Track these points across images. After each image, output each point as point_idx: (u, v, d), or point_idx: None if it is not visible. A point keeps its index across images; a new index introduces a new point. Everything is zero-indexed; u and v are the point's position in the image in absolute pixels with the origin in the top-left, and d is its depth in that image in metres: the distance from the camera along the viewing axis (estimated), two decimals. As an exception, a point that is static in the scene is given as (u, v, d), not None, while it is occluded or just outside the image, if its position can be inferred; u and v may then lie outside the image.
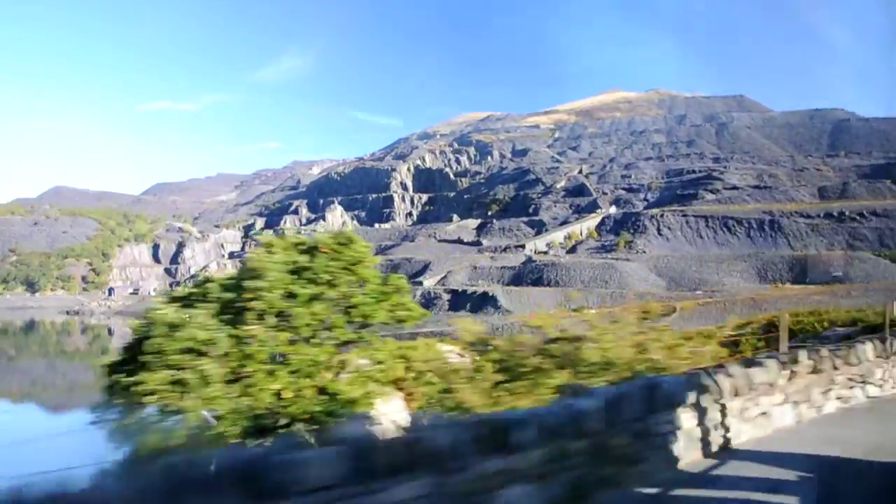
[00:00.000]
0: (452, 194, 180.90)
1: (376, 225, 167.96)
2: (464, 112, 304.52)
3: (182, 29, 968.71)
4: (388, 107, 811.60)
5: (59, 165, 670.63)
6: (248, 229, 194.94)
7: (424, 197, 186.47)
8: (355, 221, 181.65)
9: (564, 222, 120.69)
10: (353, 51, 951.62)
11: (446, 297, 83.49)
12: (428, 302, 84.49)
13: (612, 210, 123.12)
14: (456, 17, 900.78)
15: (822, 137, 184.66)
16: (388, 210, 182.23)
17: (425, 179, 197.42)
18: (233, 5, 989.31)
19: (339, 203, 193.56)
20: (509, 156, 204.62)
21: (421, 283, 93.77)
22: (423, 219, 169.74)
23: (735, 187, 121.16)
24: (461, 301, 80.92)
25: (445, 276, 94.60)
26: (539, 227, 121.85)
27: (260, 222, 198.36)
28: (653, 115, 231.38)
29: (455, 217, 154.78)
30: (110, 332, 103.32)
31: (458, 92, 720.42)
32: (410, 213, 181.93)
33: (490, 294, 78.81)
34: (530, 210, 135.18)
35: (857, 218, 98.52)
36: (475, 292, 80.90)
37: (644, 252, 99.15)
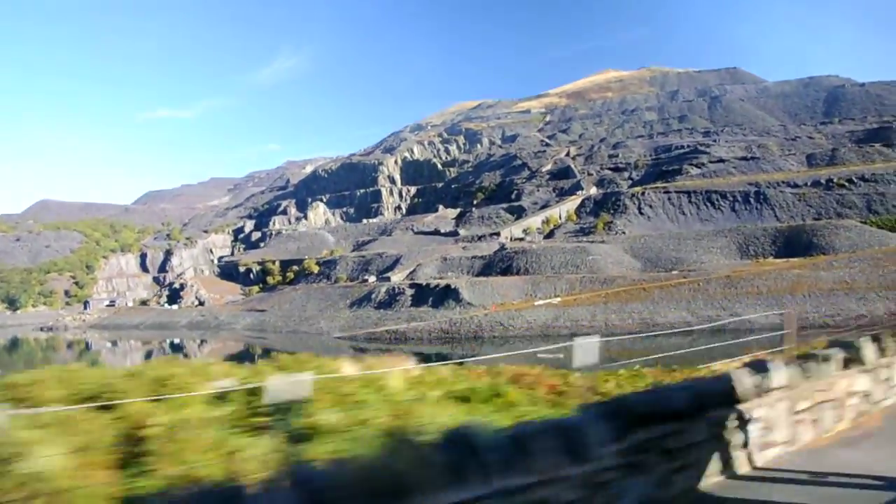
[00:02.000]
0: (440, 185, 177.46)
1: (364, 220, 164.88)
2: (457, 101, 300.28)
3: (176, 37, 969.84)
4: (384, 101, 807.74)
5: (46, 179, 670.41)
6: (237, 233, 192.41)
7: (413, 189, 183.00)
8: (339, 218, 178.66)
9: (544, 206, 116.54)
10: (347, 46, 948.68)
11: (410, 291, 79.84)
12: (392, 298, 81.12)
13: (593, 191, 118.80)
14: (449, 7, 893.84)
15: (816, 105, 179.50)
16: (376, 205, 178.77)
17: (414, 172, 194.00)
18: (225, 9, 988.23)
19: (328, 200, 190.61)
20: (499, 142, 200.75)
21: (388, 279, 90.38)
22: (412, 211, 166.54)
23: (721, 160, 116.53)
24: (424, 295, 77.33)
25: (414, 270, 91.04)
26: (519, 213, 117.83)
27: (249, 224, 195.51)
28: (645, 92, 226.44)
29: (440, 208, 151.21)
30: (88, 346, 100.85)
31: (451, 82, 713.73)
32: (399, 207, 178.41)
33: (453, 287, 75.09)
34: (513, 196, 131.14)
35: (846, 184, 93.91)
36: (438, 286, 77.19)
37: (623, 233, 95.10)
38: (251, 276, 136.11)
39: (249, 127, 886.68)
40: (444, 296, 74.89)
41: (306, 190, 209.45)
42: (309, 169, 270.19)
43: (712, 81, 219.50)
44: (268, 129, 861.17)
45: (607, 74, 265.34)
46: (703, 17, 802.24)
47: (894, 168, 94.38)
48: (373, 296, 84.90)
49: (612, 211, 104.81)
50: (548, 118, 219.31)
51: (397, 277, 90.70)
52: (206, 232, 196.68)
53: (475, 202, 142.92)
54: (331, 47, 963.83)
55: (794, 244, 78.03)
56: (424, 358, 60.96)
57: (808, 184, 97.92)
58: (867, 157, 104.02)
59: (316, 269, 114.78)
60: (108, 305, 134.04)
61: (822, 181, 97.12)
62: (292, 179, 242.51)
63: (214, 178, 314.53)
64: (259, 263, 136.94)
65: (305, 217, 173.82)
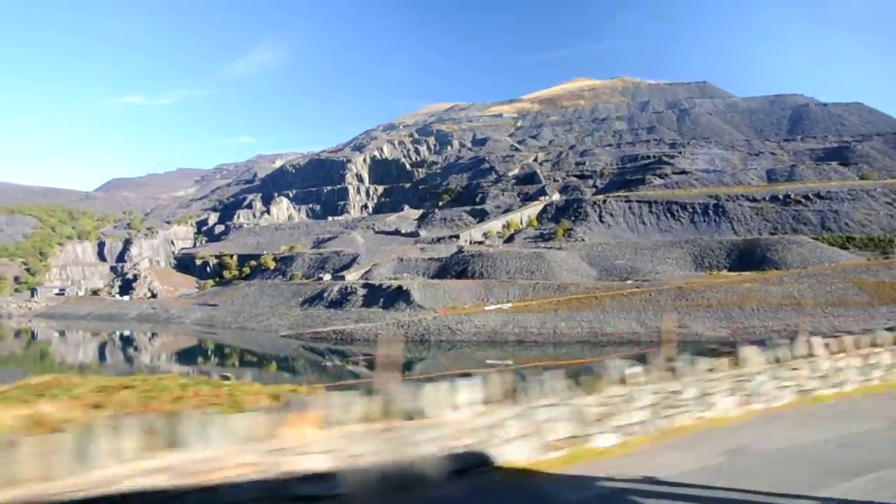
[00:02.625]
0: (408, 185, 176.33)
1: (329, 218, 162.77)
2: (431, 103, 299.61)
3: (155, 23, 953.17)
4: (360, 100, 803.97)
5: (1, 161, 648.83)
6: (200, 225, 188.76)
7: (380, 189, 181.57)
8: (305, 214, 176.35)
9: (507, 210, 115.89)
10: (327, 43, 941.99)
11: (362, 291, 78.31)
12: (343, 297, 79.54)
13: (556, 197, 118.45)
14: (429, 10, 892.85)
15: (781, 122, 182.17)
16: (342, 202, 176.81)
17: (382, 171, 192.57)
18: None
19: (294, 196, 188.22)
20: (469, 145, 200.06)
21: (343, 278, 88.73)
22: (379, 210, 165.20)
23: (684, 172, 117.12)
24: (376, 296, 75.90)
25: (370, 270, 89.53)
26: (482, 216, 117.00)
27: (213, 217, 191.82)
28: (616, 102, 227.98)
29: (406, 208, 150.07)
30: (34, 336, 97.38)
31: (427, 84, 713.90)
32: (366, 206, 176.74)
33: (404, 289, 73.77)
34: (477, 199, 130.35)
35: (802, 201, 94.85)
36: (390, 287, 75.81)
37: (583, 240, 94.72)
38: (208, 269, 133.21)
39: (223, 118, 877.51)
40: (396, 297, 73.55)
41: (273, 185, 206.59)
42: (279, 163, 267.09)
43: (682, 94, 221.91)
44: (242, 122, 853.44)
45: (580, 82, 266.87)
46: (677, 32, 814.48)
47: (849, 186, 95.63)
48: (325, 294, 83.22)
49: (573, 218, 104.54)
50: (519, 123, 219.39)
51: (352, 277, 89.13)
52: (168, 223, 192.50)
53: (440, 203, 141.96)
54: (311, 42, 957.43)
55: (748, 258, 78.29)
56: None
57: (767, 198, 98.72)
58: (824, 174, 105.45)
59: (272, 265, 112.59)
60: (56, 294, 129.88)
61: (780, 196, 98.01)
62: (261, 173, 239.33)
63: (182, 168, 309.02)
64: (216, 257, 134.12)
65: (269, 212, 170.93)
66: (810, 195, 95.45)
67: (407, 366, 54.79)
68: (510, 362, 57.56)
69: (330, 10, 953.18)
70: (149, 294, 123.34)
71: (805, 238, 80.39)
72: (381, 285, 77.86)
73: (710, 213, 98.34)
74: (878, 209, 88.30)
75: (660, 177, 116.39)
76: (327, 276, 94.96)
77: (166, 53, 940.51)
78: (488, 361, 57.31)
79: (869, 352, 11.75)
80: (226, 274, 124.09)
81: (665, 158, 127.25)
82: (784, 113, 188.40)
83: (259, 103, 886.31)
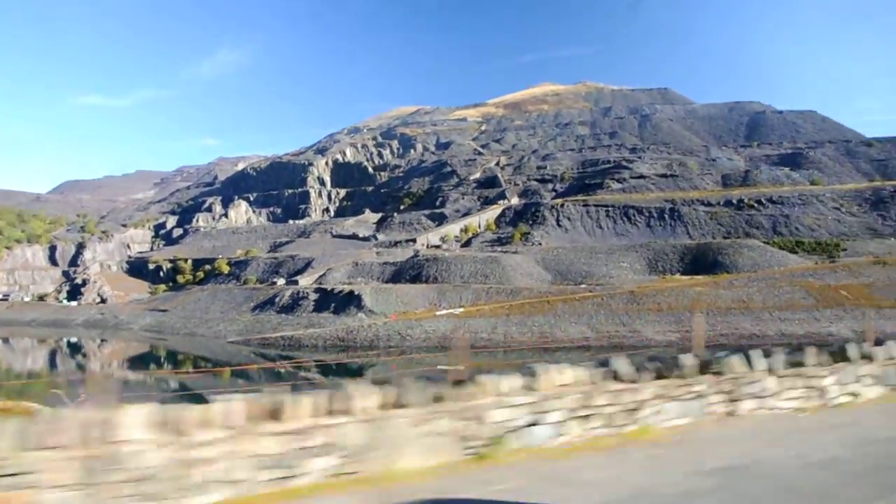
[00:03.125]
0: (370, 189, 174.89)
1: (290, 221, 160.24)
2: (397, 106, 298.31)
3: (116, 21, 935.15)
4: (325, 102, 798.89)
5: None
6: (158, 228, 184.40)
7: (342, 192, 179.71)
8: (265, 218, 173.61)
9: (466, 214, 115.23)
10: (291, 45, 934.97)
11: (314, 296, 76.75)
12: (295, 302, 77.87)
13: (515, 201, 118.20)
14: (395, 13, 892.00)
15: (739, 129, 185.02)
16: (304, 206, 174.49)
17: (344, 174, 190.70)
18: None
19: (255, 199, 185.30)
20: (432, 149, 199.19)
21: (297, 283, 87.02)
22: (340, 213, 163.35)
23: (642, 176, 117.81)
24: (328, 301, 74.43)
25: (324, 275, 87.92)
26: (440, 220, 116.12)
27: (172, 220, 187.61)
28: (579, 107, 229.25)
29: (367, 211, 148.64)
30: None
31: (393, 87, 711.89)
32: (327, 209, 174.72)
33: (356, 293, 72.43)
34: (437, 203, 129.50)
35: (755, 205, 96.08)
36: (342, 292, 74.41)
37: (539, 244, 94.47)
38: (161, 273, 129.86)
39: (185, 120, 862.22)
40: (347, 302, 72.18)
41: (234, 188, 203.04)
42: (241, 166, 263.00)
43: (644, 100, 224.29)
44: (204, 124, 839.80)
45: (545, 88, 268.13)
46: (640, 39, 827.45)
47: (800, 192, 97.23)
48: (277, 299, 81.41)
49: (531, 222, 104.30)
50: (483, 127, 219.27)
51: (305, 281, 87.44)
52: (124, 226, 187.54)
53: (402, 207, 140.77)
54: (275, 44, 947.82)
55: (701, 261, 78.76)
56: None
57: (721, 203, 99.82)
58: (777, 180, 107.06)
59: (227, 270, 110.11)
60: (0, 300, 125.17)
61: (734, 201, 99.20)
62: (222, 176, 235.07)
63: (141, 170, 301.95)
64: (171, 261, 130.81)
65: (226, 215, 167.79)
66: (763, 200, 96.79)
67: (358, 372, 53.75)
68: (462, 368, 56.81)
69: (295, 12, 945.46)
70: (98, 299, 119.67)
71: (756, 242, 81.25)
72: (333, 290, 76.41)
73: (666, 217, 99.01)
74: (826, 214, 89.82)
75: (618, 181, 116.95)
76: (281, 281, 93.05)
77: (128, 53, 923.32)
78: (439, 367, 56.43)
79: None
80: (179, 278, 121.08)
81: (624, 163, 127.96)
82: (742, 119, 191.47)
83: (222, 105, 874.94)
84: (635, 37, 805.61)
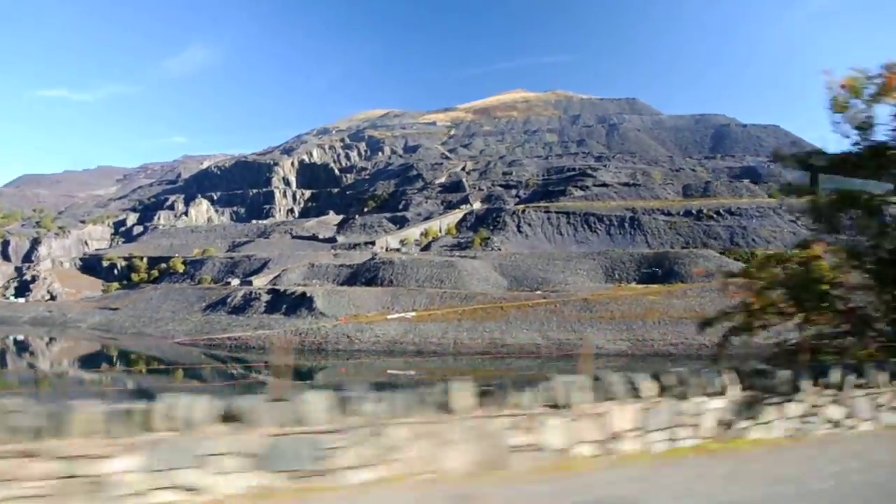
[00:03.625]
0: (336, 190, 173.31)
1: (254, 221, 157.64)
2: (367, 109, 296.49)
3: (85, 14, 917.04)
4: (295, 103, 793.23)
5: None
6: (118, 225, 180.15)
7: (307, 193, 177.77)
8: (229, 217, 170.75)
9: (428, 218, 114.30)
10: (262, 44, 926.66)
11: (266, 297, 75.08)
12: (246, 303, 76.11)
13: (477, 206, 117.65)
14: (369, 16, 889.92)
15: (704, 141, 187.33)
16: (268, 206, 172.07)
17: (310, 175, 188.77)
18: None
19: (219, 198, 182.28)
20: (400, 152, 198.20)
21: (251, 283, 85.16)
22: (305, 214, 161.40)
23: (605, 184, 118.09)
24: (280, 302, 72.84)
25: (279, 276, 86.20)
26: (402, 223, 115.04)
27: (133, 217, 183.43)
28: (549, 114, 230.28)
29: (331, 213, 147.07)
30: None
31: (365, 89, 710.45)
32: (292, 210, 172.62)
33: (308, 295, 70.97)
34: (400, 206, 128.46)
35: (714, 216, 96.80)
36: (294, 293, 72.89)
37: (499, 249, 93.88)
38: (116, 271, 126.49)
39: (152, 117, 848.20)
40: (299, 304, 70.67)
41: (197, 186, 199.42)
42: (207, 164, 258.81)
43: (612, 110, 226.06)
44: (171, 121, 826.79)
45: (515, 94, 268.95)
46: (612, 49, 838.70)
47: (757, 203, 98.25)
48: (228, 300, 79.48)
49: (491, 227, 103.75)
50: (452, 132, 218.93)
51: (260, 282, 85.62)
52: (83, 222, 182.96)
53: (365, 209, 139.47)
54: (247, 43, 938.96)
55: (656, 270, 78.87)
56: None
57: (681, 213, 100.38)
58: (736, 191, 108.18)
59: (182, 269, 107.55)
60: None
61: (694, 211, 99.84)
62: (186, 174, 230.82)
63: (103, 166, 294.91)
64: (126, 259, 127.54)
65: (186, 213, 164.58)
66: (721, 211, 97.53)
67: (308, 375, 52.61)
68: (413, 372, 55.85)
69: (267, 10, 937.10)
70: (48, 296, 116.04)
71: (711, 252, 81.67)
72: (285, 291, 74.80)
73: (626, 225, 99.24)
74: (782, 226, 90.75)
75: (581, 188, 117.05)
76: (235, 281, 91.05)
77: (97, 48, 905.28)
78: (389, 371, 55.40)
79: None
80: (134, 277, 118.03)
81: (588, 171, 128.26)
82: (707, 132, 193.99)
83: (191, 103, 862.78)
84: (607, 47, 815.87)
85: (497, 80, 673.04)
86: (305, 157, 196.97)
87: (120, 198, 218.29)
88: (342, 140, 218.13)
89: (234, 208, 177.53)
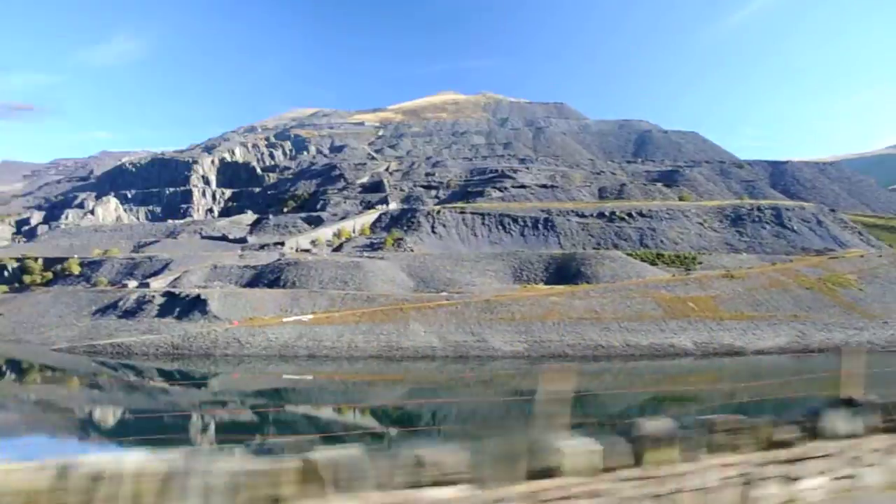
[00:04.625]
0: (257, 190, 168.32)
1: (169, 220, 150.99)
2: (296, 107, 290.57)
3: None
4: (224, 100, 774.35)
5: None
6: (21, 224, 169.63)
7: (228, 192, 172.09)
8: (144, 216, 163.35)
9: (343, 218, 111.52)
10: (193, 38, 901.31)
11: (160, 300, 70.88)
12: (139, 307, 71.68)
13: (393, 206, 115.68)
14: (305, 15, 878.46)
15: (627, 146, 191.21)
16: (186, 205, 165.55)
17: (231, 174, 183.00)
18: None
19: (133, 196, 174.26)
20: (325, 152, 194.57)
21: (148, 285, 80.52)
22: (225, 214, 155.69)
23: (523, 186, 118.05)
24: (173, 305, 68.84)
25: (179, 277, 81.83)
26: (317, 223, 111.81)
27: (38, 216, 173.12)
28: (478, 117, 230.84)
29: (249, 212, 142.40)
30: None
31: (295, 88, 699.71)
32: (211, 210, 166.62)
33: (202, 298, 67.32)
34: (318, 206, 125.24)
35: (626, 218, 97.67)
36: (188, 296, 69.04)
37: (411, 250, 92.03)
38: (6, 273, 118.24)
39: (72, 109, 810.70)
40: (193, 307, 66.89)
41: (111, 183, 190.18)
42: (127, 160, 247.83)
43: (540, 113, 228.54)
44: (94, 115, 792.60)
45: (445, 96, 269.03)
46: (542, 55, 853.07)
47: (668, 206, 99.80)
48: (120, 303, 74.69)
49: (405, 227, 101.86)
50: (380, 132, 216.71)
51: (158, 284, 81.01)
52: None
53: (285, 210, 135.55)
54: (176, 36, 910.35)
55: (564, 271, 78.60)
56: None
57: (594, 214, 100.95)
58: (649, 194, 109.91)
59: (77, 270, 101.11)
60: None
61: (606, 213, 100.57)
62: (100, 171, 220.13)
63: (8, 161, 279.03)
64: (18, 260, 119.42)
65: (92, 212, 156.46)
66: (633, 213, 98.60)
67: (202, 381, 49.63)
68: (311, 377, 53.25)
69: (199, 3, 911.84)
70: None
71: (618, 253, 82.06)
72: (179, 294, 70.77)
73: (540, 226, 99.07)
74: (690, 228, 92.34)
75: (499, 190, 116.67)
76: (133, 283, 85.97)
77: (9, 33, 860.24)
78: (286, 377, 52.62)
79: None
80: (26, 279, 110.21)
81: (509, 172, 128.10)
82: (630, 137, 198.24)
83: (115, 96, 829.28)
84: (537, 52, 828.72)
85: (428, 81, 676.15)
86: (227, 156, 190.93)
87: (25, 195, 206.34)
88: (267, 139, 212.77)
89: (150, 207, 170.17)
